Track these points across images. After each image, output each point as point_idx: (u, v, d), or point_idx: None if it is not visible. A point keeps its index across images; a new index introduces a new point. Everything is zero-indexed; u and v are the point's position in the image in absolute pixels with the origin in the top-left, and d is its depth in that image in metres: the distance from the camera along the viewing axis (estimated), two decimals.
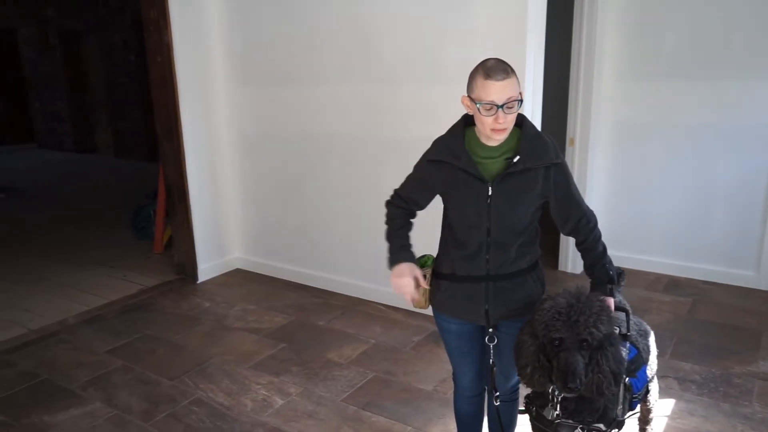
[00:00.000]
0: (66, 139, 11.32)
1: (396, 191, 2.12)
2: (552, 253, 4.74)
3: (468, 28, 3.42)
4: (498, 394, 2.10)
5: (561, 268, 4.70)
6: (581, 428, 1.82)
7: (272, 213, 4.67)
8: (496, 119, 1.78)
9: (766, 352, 3.39)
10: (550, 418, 1.86)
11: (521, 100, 1.80)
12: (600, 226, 2.04)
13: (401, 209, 2.09)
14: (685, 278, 4.45)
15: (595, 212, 2.04)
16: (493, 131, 1.81)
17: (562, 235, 4.58)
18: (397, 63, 3.74)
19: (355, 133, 4.04)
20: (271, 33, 4.25)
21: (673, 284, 4.38)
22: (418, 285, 2.04)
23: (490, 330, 1.98)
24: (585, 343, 1.70)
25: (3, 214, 7.02)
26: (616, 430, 1.96)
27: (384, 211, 2.13)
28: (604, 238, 2.06)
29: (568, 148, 4.48)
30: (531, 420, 2.00)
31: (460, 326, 2.08)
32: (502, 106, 1.76)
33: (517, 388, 2.24)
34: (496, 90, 1.76)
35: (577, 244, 2.04)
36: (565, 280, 4.48)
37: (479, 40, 3.36)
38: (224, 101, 4.62)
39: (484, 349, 2.07)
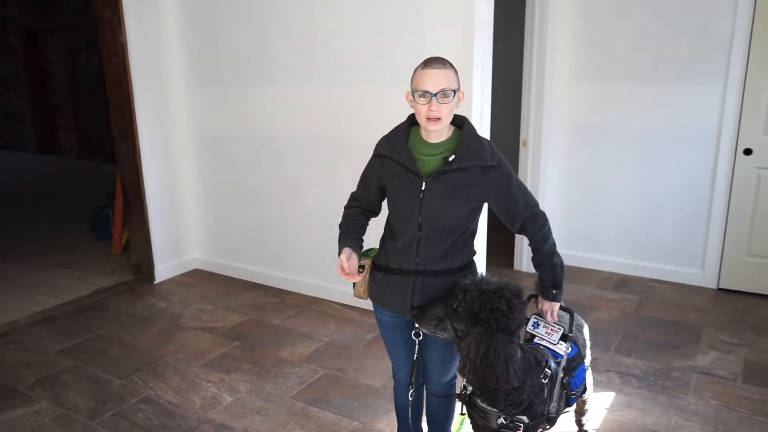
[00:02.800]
0: (28, 140, 11.12)
1: (351, 194, 2.23)
2: (507, 252, 4.84)
3: (417, 30, 3.49)
4: (413, 390, 2.16)
5: (516, 267, 4.80)
6: (504, 418, 1.88)
7: (231, 213, 4.68)
8: (429, 107, 1.86)
9: (706, 346, 3.52)
10: (459, 392, 2.00)
11: (455, 91, 1.89)
12: (553, 226, 2.09)
13: (354, 208, 2.19)
14: (635, 276, 4.58)
15: (548, 212, 2.07)
16: (428, 120, 1.90)
17: (516, 235, 4.69)
18: (351, 64, 3.79)
19: (311, 133, 4.07)
20: (227, 33, 4.27)
21: (623, 282, 4.50)
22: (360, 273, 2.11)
23: (416, 325, 2.02)
24: (453, 311, 1.85)
25: None
26: (548, 425, 2.02)
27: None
28: (557, 237, 2.11)
29: (522, 150, 4.58)
30: (463, 404, 2.06)
31: (392, 318, 2.15)
32: (435, 95, 1.85)
33: (453, 384, 2.28)
34: (431, 79, 1.86)
35: (529, 243, 2.09)
36: (519, 280, 4.57)
37: (429, 43, 3.43)
38: (181, 101, 4.62)
39: (419, 343, 2.12)
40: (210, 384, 3.19)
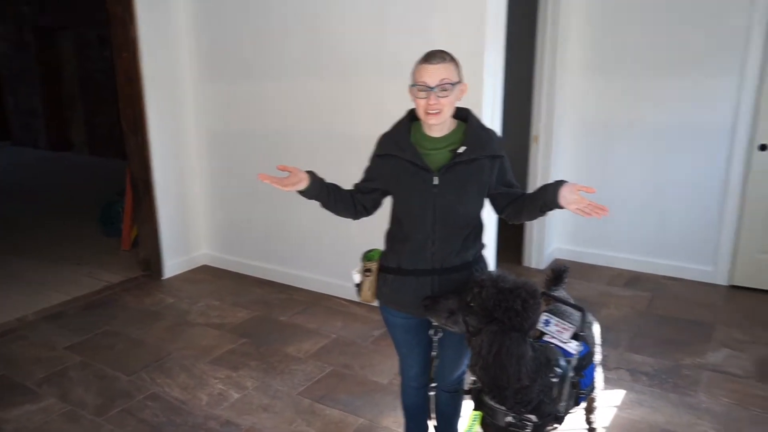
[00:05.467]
0: (41, 137, 11.19)
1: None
2: (516, 248, 4.79)
3: (425, 26, 3.45)
4: (435, 385, 2.14)
5: (525, 263, 4.75)
6: (512, 416, 1.86)
7: (240, 209, 4.67)
8: (428, 101, 1.84)
9: (717, 344, 3.47)
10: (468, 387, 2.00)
11: (454, 84, 1.86)
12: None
13: (350, 190, 2.16)
14: (647, 273, 4.53)
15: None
16: (427, 115, 1.88)
17: (526, 231, 4.65)
18: (358, 60, 3.76)
19: (319, 129, 4.05)
20: (236, 29, 4.26)
21: (634, 279, 4.45)
22: (364, 278, 2.09)
23: (435, 323, 2.00)
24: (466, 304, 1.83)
25: None
26: (555, 424, 1.99)
27: None
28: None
29: (532, 146, 4.53)
30: (474, 402, 2.03)
31: (406, 320, 2.12)
32: (434, 88, 1.83)
33: (462, 379, 2.27)
34: (429, 72, 1.85)
35: (509, 208, 2.03)
36: (529, 276, 4.52)
37: (436, 38, 3.39)
38: (191, 97, 4.62)
39: (431, 341, 2.11)
40: (217, 380, 3.19)
